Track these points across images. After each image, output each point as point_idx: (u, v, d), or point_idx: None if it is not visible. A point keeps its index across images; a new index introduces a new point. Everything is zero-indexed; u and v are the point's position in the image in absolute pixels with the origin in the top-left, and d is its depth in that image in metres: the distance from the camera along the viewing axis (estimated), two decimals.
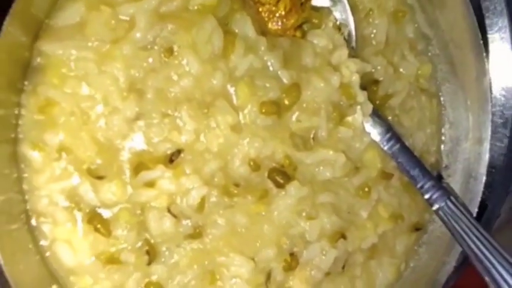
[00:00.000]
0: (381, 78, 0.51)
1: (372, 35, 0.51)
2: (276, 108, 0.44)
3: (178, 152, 0.39)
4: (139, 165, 0.38)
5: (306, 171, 0.46)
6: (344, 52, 0.48)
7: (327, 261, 0.47)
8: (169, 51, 0.39)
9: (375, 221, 0.50)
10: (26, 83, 0.35)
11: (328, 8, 0.50)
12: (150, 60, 0.38)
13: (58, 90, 0.35)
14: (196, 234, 0.41)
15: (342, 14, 0.50)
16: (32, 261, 0.36)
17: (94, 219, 0.37)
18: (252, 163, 0.43)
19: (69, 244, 0.37)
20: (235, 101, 0.42)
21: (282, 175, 0.45)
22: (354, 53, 0.50)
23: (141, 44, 0.37)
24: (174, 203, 0.39)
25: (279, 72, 0.44)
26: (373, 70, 0.50)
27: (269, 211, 0.44)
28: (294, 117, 0.45)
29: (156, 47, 0.38)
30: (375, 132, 0.49)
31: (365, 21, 0.51)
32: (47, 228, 0.36)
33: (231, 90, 0.42)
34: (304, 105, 0.45)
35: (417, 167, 0.50)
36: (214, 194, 0.41)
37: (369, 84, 0.51)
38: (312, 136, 0.46)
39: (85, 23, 0.36)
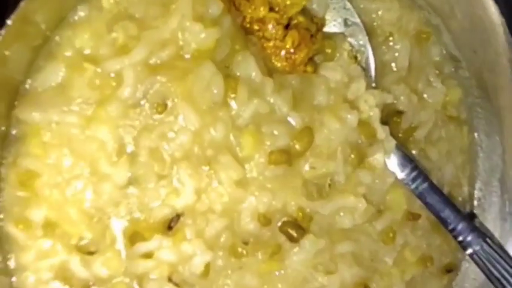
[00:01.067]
0: (404, 109, 0.46)
1: (393, 61, 0.46)
2: (286, 157, 0.39)
3: (178, 216, 0.35)
4: (135, 234, 0.34)
5: (322, 221, 0.41)
6: (361, 84, 0.43)
7: None
8: (163, 106, 0.35)
9: (401, 267, 0.46)
10: (5, 154, 0.32)
11: (342, 34, 0.44)
12: (142, 118, 0.34)
13: (39, 161, 0.32)
14: None
15: (358, 39, 0.45)
16: None
17: None
18: (261, 218, 0.39)
19: None
20: (239, 153, 0.38)
21: (295, 228, 0.40)
22: (372, 83, 0.45)
23: (131, 101, 0.33)
24: (175, 272, 0.36)
25: (289, 117, 0.40)
26: (395, 101, 0.45)
27: (282, 268, 0.40)
28: (306, 165, 0.40)
29: (147, 104, 0.34)
30: (398, 171, 0.44)
31: (384, 45, 0.46)
32: None
33: (235, 141, 0.37)
34: (318, 149, 0.41)
35: (447, 208, 0.45)
36: (220, 256, 0.37)
37: (390, 116, 0.46)
38: (328, 183, 0.41)
39: (66, 84, 0.32)
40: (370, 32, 0.46)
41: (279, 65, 0.41)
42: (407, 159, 0.45)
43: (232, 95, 0.37)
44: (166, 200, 0.35)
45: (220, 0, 0.37)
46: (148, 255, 0.35)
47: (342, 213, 0.42)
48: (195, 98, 0.35)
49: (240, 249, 0.38)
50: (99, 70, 0.33)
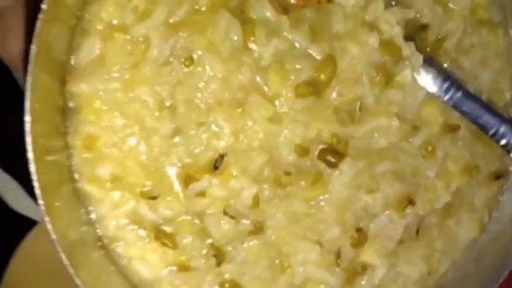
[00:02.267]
0: (429, 22, 0.45)
1: None
2: (312, 88, 0.41)
3: (221, 157, 0.39)
4: (188, 177, 0.39)
5: (358, 144, 0.44)
6: (379, 4, 0.43)
7: (396, 230, 0.45)
8: (190, 59, 0.38)
9: (445, 178, 0.47)
10: (67, 125, 0.37)
11: None
12: (173, 74, 0.38)
13: (96, 125, 0.37)
14: (257, 229, 0.41)
15: None
16: (115, 281, 0.40)
17: (159, 235, 0.39)
18: (298, 149, 0.42)
19: (144, 260, 0.40)
20: (267, 92, 0.40)
21: (333, 154, 0.43)
22: (392, 1, 0.45)
23: (161, 60, 0.37)
24: (228, 206, 0.40)
25: (309, 49, 0.41)
26: (417, 15, 0.45)
27: (326, 193, 0.43)
28: (334, 93, 0.42)
29: (175, 60, 0.37)
30: (430, 84, 0.45)
31: None
32: (121, 249, 0.40)
33: (261, 81, 0.40)
34: (343, 76, 0.42)
35: (486, 113, 0.45)
36: (266, 188, 0.41)
37: (415, 31, 0.46)
38: (358, 107, 0.43)
39: (104, 55, 0.36)
40: None
41: (292, 1, 0.42)
42: (438, 71, 0.45)
43: (252, 38, 0.40)
44: (208, 143, 0.39)
45: None
46: (202, 194, 0.39)
47: (376, 134, 0.44)
48: (217, 47, 0.38)
49: (283, 180, 0.42)
50: (128, 37, 0.37)
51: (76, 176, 0.38)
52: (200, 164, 0.39)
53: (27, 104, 0.34)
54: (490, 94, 0.47)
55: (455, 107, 0.45)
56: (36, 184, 0.33)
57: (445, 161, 0.47)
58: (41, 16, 0.32)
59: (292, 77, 0.40)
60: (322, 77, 0.41)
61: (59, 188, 0.37)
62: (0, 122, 0.46)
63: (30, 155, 0.34)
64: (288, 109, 0.41)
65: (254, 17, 0.40)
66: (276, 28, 0.41)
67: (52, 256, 0.44)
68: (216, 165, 0.39)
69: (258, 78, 0.40)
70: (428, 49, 0.46)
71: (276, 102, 0.40)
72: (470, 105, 0.45)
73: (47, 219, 0.34)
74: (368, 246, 0.45)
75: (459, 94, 0.45)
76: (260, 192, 0.40)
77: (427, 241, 0.48)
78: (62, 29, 0.35)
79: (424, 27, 0.46)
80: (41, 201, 0.34)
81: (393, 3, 0.45)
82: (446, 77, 0.44)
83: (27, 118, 0.33)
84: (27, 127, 0.33)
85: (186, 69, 0.38)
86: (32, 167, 0.34)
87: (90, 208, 0.39)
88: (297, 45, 0.41)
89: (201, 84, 0.38)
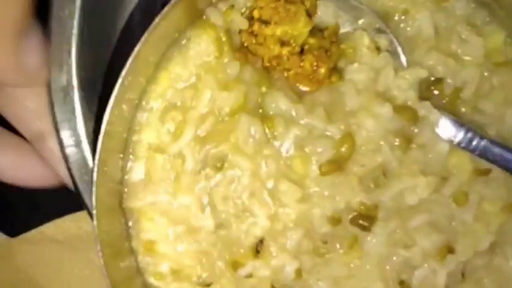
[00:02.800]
0: (443, 76, 0.47)
1: (418, 34, 0.47)
2: (335, 165, 0.45)
3: (261, 241, 0.45)
4: (235, 263, 0.45)
5: (388, 206, 0.46)
6: (389, 73, 0.46)
7: (439, 279, 0.47)
8: (221, 163, 0.44)
9: (484, 220, 0.48)
10: (131, 233, 0.45)
11: (357, 31, 0.47)
12: (208, 179, 0.43)
13: (152, 232, 0.44)
14: None
15: (375, 28, 0.47)
16: None
17: None
18: (331, 220, 0.46)
19: None
20: (294, 176, 0.45)
21: (364, 218, 0.46)
22: (404, 64, 0.47)
23: (196, 169, 0.43)
24: (275, 281, 0.46)
25: (326, 131, 0.45)
26: (430, 74, 0.46)
27: (364, 254, 0.47)
28: (356, 165, 0.45)
29: (208, 167, 0.43)
30: (452, 138, 0.46)
31: (403, 23, 0.47)
32: None
33: (286, 168, 0.45)
34: (363, 149, 0.45)
35: None
36: (306, 259, 0.46)
37: (430, 87, 0.47)
38: (381, 173, 0.46)
39: (149, 174, 0.43)
40: (384, 17, 0.47)
41: (305, 88, 0.46)
42: (458, 124, 0.46)
43: (273, 132, 0.44)
44: (248, 231, 0.44)
45: (235, 60, 0.44)
46: (250, 276, 0.45)
47: (405, 194, 0.46)
48: (242, 148, 0.43)
49: (321, 250, 0.46)
50: (166, 156, 0.43)
51: (145, 275, 0.45)
52: (243, 251, 0.44)
53: (96, 225, 0.41)
54: None
55: (482, 156, 0.46)
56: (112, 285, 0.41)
57: (481, 203, 0.48)
58: (98, 151, 0.40)
59: (315, 159, 0.44)
60: (343, 153, 0.45)
61: (131, 284, 0.45)
62: None
63: (105, 265, 0.41)
64: (315, 188, 0.45)
65: (271, 112, 0.44)
66: (293, 117, 0.45)
67: (10, 283, 0.49)
68: (258, 249, 0.44)
69: (284, 166, 0.44)
70: (444, 101, 0.47)
71: (303, 184, 0.45)
72: (497, 152, 0.45)
73: None
74: None
75: (483, 143, 0.45)
76: (301, 264, 0.45)
77: (474, 283, 0.49)
78: (114, 158, 0.43)
79: (439, 80, 0.47)
80: None
81: (405, 64, 0.47)
82: (467, 128, 0.46)
83: (96, 234, 0.41)
84: (98, 245, 0.41)
85: (219, 173, 0.43)
86: (109, 276, 0.41)
87: None
88: (314, 129, 0.45)
89: (234, 182, 0.44)
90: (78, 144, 0.43)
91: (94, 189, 0.41)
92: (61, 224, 0.53)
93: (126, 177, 0.44)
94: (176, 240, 0.44)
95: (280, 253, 0.45)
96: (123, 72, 0.38)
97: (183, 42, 0.43)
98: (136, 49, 0.38)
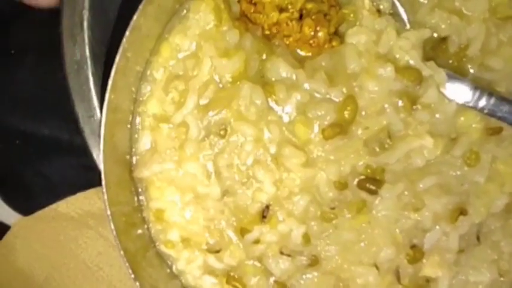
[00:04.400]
0: (447, 34, 0.46)
1: None
2: (338, 129, 0.45)
3: (267, 207, 0.45)
4: (242, 229, 0.45)
5: (395, 168, 0.46)
6: (391, 34, 0.45)
7: (452, 242, 0.46)
8: (224, 130, 0.44)
9: (497, 181, 0.47)
10: (141, 202, 0.46)
11: None
12: (212, 146, 0.44)
13: (160, 201, 0.45)
14: (313, 262, 0.46)
15: None
16: None
17: (229, 280, 0.46)
18: (337, 184, 0.46)
19: None
20: (297, 142, 0.45)
21: (371, 182, 0.46)
22: (406, 25, 0.46)
23: (200, 137, 0.44)
24: (283, 246, 0.46)
25: (328, 95, 0.45)
26: (434, 33, 0.45)
27: (373, 218, 0.46)
28: (360, 128, 0.45)
29: (212, 134, 0.44)
30: (460, 97, 0.45)
31: None
32: None
33: (289, 133, 0.45)
34: (366, 111, 0.45)
35: None
36: (314, 225, 0.46)
37: (435, 46, 0.47)
38: (387, 135, 0.45)
39: (155, 144, 0.44)
40: None
41: (307, 53, 0.46)
42: (465, 81, 0.45)
43: (274, 97, 0.45)
44: (253, 198, 0.45)
45: (234, 28, 0.45)
46: (257, 241, 0.45)
47: (412, 155, 0.46)
48: (244, 114, 0.44)
49: (329, 215, 0.46)
50: (170, 125, 0.44)
51: (157, 243, 0.47)
52: (250, 217, 0.45)
53: (106, 194, 0.43)
54: None
55: (491, 114, 0.45)
56: (123, 255, 0.42)
57: (494, 163, 0.46)
58: (103, 122, 0.41)
59: (317, 123, 0.44)
60: (346, 116, 0.45)
61: (145, 253, 0.46)
62: None
63: (114, 233, 0.42)
64: (319, 152, 0.45)
65: (273, 79, 0.45)
66: (294, 83, 0.45)
67: (26, 262, 0.50)
68: (264, 215, 0.45)
69: (286, 132, 0.45)
70: (451, 61, 0.46)
71: (307, 149, 0.45)
72: (506, 109, 0.44)
73: (137, 283, 0.43)
74: (426, 260, 0.47)
75: (493, 100, 0.44)
76: (309, 229, 0.45)
77: (491, 245, 0.48)
78: (123, 130, 0.44)
79: (444, 39, 0.46)
80: (130, 270, 0.43)
81: (408, 25, 0.46)
82: (476, 86, 0.45)
83: (108, 212, 0.42)
84: (108, 211, 0.42)
85: (223, 140, 0.44)
86: (118, 241, 0.43)
87: (172, 265, 0.48)
88: (316, 93, 0.45)
89: (238, 149, 0.44)
90: (92, 115, 0.44)
91: (102, 159, 0.42)
92: (74, 201, 0.55)
93: (133, 147, 0.45)
94: (184, 208, 0.45)
95: (287, 218, 0.45)
96: (123, 42, 0.39)
97: (183, 12, 0.44)
98: (134, 19, 0.39)
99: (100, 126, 0.41)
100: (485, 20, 0.45)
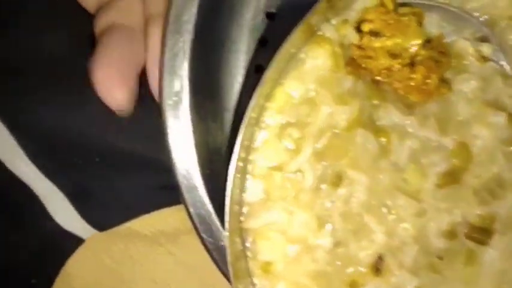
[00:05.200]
0: None
1: None
2: (451, 177, 0.44)
3: (380, 258, 0.43)
4: (353, 283, 0.43)
5: (505, 217, 0.45)
6: (497, 81, 0.45)
7: None
8: (338, 179, 0.43)
9: None
10: (248, 253, 0.44)
11: (462, 40, 0.47)
12: (327, 195, 0.42)
13: (269, 252, 0.43)
14: None
15: (480, 37, 0.46)
16: None
17: None
18: (446, 234, 0.45)
19: None
20: (409, 190, 0.44)
21: (481, 232, 0.45)
22: (508, 70, 0.46)
23: (314, 185, 0.42)
24: None
25: (440, 142, 0.44)
26: None
27: (481, 267, 0.45)
28: (471, 176, 0.44)
29: (325, 183, 0.42)
30: None
31: (509, 29, 0.46)
32: None
33: (402, 182, 0.44)
34: (478, 159, 0.44)
35: None
36: (423, 275, 0.44)
37: None
38: (498, 183, 0.45)
39: (267, 193, 0.42)
40: (489, 25, 0.46)
41: (416, 99, 0.45)
42: None
43: (387, 145, 0.43)
44: (366, 248, 0.43)
45: (348, 74, 0.43)
46: None
47: None
48: (358, 162, 0.42)
49: (437, 265, 0.45)
50: (284, 174, 0.42)
51: None
52: (362, 269, 0.43)
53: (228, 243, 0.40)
54: None
55: None
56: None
57: None
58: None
59: (431, 171, 0.43)
60: (458, 164, 0.44)
61: None
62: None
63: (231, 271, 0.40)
64: (432, 201, 0.44)
65: (385, 125, 0.44)
66: (406, 130, 0.44)
67: (97, 276, 0.50)
68: (378, 267, 0.43)
69: (399, 180, 0.43)
70: None
71: (420, 198, 0.44)
72: None
73: None
74: None
75: None
76: (420, 282, 0.44)
77: None
78: (236, 178, 0.42)
79: None
80: None
81: (510, 73, 0.46)
82: None
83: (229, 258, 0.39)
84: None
85: (337, 189, 0.42)
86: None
87: None
88: (428, 140, 0.44)
89: (352, 199, 0.43)
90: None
91: (227, 207, 0.40)
92: (148, 219, 0.53)
93: (244, 196, 0.42)
94: (294, 260, 0.43)
95: (399, 270, 0.43)
96: (255, 97, 0.37)
97: (300, 56, 0.42)
98: (266, 75, 0.38)
99: (227, 181, 0.39)
100: None
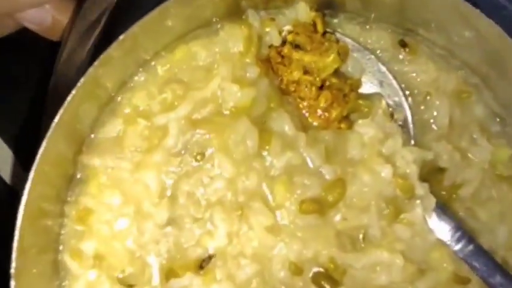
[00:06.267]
0: (446, 166, 0.45)
1: (432, 120, 0.46)
2: (317, 207, 0.41)
3: (210, 257, 0.38)
4: (169, 271, 0.37)
5: (356, 275, 0.41)
6: (397, 141, 0.44)
7: None
8: (201, 155, 0.39)
9: None
10: (69, 194, 0.38)
11: (378, 94, 0.47)
12: (182, 165, 0.39)
13: (95, 199, 0.38)
14: None
15: (395, 99, 0.47)
16: None
17: None
18: (292, 267, 0.40)
19: None
20: (271, 201, 0.40)
21: (328, 280, 0.40)
22: (411, 141, 0.46)
23: (173, 150, 0.39)
24: None
25: (321, 168, 0.42)
26: (436, 159, 0.45)
27: None
28: (338, 215, 0.41)
29: (187, 153, 0.39)
30: (441, 230, 0.43)
31: (423, 105, 0.47)
32: None
33: (267, 189, 0.40)
34: (351, 201, 0.42)
35: (498, 273, 0.42)
36: None
37: (432, 173, 0.46)
38: (361, 236, 0.41)
39: (122, 136, 0.38)
40: (407, 92, 0.47)
41: (314, 122, 0.44)
42: (450, 219, 0.43)
43: (267, 147, 0.41)
44: (200, 240, 0.38)
45: (257, 66, 0.43)
46: None
47: (378, 268, 0.41)
48: (231, 149, 0.39)
49: None
50: (149, 124, 0.39)
51: (60, 247, 0.37)
52: (186, 260, 0.37)
53: (36, 164, 0.35)
54: (505, 252, 0.44)
55: (466, 259, 0.42)
56: (15, 244, 0.33)
57: None
58: (75, 90, 0.35)
59: (299, 192, 0.40)
60: (330, 198, 0.41)
61: (41, 254, 0.37)
62: None
63: (20, 215, 0.34)
64: (289, 222, 0.40)
65: (274, 129, 0.42)
66: (292, 143, 0.42)
67: None
68: (203, 265, 0.37)
69: (265, 186, 0.40)
70: (443, 193, 0.45)
71: (278, 213, 0.40)
72: (482, 261, 0.42)
73: (13, 283, 0.33)
74: None
75: (471, 247, 0.42)
76: None
77: None
78: (93, 106, 0.38)
79: (441, 170, 0.46)
80: (13, 264, 0.33)
81: (412, 142, 0.46)
82: (458, 226, 0.43)
83: (31, 175, 0.34)
84: (28, 185, 0.34)
85: (196, 163, 0.39)
86: (19, 226, 0.34)
87: (65, 283, 0.37)
88: (309, 162, 0.42)
89: (207, 181, 0.39)
90: None
91: (50, 133, 0.35)
92: None
93: (96, 129, 0.38)
94: (117, 218, 0.37)
95: (225, 280, 0.38)
96: (141, 21, 0.36)
97: (215, 27, 0.42)
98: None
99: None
100: (484, 170, 0.45)
